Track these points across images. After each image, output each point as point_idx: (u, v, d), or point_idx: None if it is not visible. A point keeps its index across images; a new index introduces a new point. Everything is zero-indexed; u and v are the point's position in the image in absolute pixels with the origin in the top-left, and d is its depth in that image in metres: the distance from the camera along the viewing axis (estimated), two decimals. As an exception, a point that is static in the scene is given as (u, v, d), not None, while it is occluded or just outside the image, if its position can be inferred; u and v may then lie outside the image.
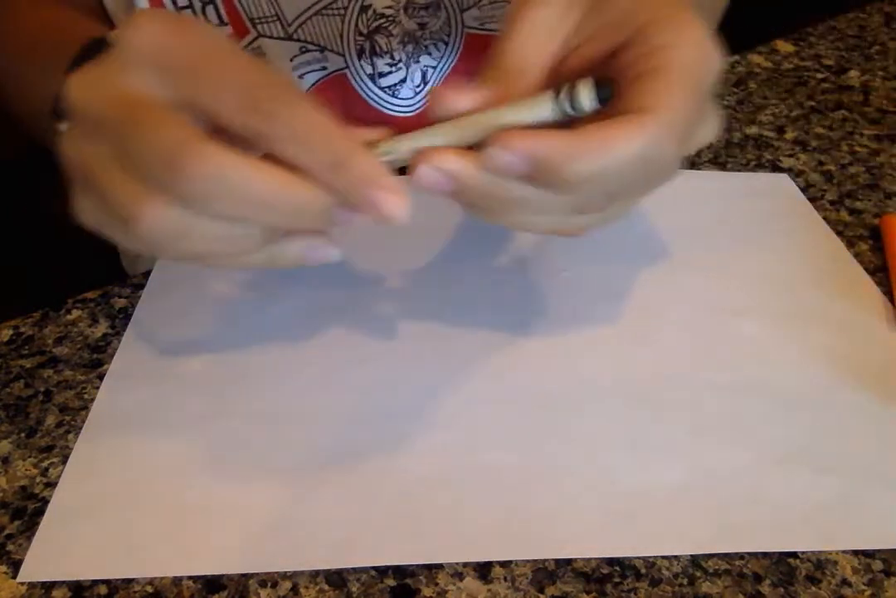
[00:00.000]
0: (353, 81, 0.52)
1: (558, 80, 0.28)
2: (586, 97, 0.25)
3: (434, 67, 0.53)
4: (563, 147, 0.25)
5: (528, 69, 0.28)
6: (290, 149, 0.24)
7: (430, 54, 0.53)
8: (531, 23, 0.29)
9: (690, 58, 0.27)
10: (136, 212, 0.25)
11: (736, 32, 0.64)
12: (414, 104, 0.54)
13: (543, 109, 0.25)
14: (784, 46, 0.67)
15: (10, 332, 0.40)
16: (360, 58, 0.51)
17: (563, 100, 0.25)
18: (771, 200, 0.48)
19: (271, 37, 0.48)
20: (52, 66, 0.36)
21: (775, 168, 0.51)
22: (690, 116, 0.26)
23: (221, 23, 0.47)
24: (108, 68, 0.26)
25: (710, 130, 0.29)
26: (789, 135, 0.55)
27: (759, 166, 0.51)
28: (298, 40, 0.49)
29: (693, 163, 0.52)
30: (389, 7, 0.49)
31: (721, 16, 0.53)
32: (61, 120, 0.31)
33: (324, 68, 0.50)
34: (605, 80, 0.25)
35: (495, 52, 0.29)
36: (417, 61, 0.52)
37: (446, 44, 0.52)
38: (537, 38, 0.29)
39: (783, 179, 0.50)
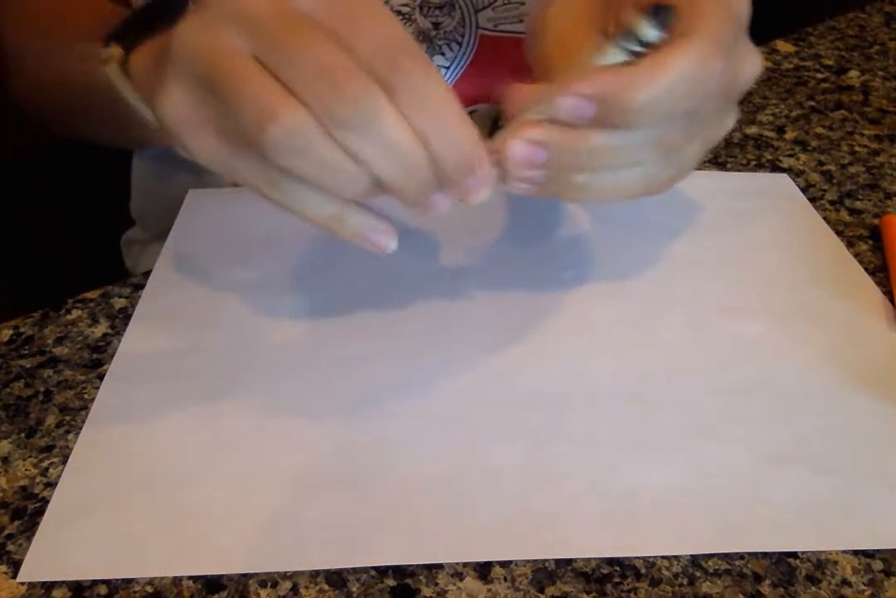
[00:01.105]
0: None
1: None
2: (646, 30, 0.26)
3: (447, 68, 0.53)
4: (619, 79, 0.27)
5: (575, 47, 0.30)
6: (410, 109, 0.25)
7: (443, 54, 0.53)
8: (555, 8, 0.31)
9: None
10: (276, 111, 0.25)
11: (736, 32, 0.64)
12: None
13: (612, 56, 0.27)
14: (784, 46, 0.67)
15: (10, 332, 0.40)
16: None
17: (628, 40, 0.27)
18: (771, 200, 0.48)
19: None
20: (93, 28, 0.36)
21: (775, 168, 0.51)
22: (728, 37, 0.28)
23: None
24: (204, 17, 0.26)
25: (755, 63, 0.31)
26: (789, 135, 0.55)
27: (759, 166, 0.51)
28: None
29: (693, 163, 0.51)
30: (405, 5, 0.49)
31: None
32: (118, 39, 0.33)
33: None
34: (660, 6, 0.26)
35: (537, 44, 0.31)
36: (430, 61, 0.52)
37: (460, 44, 0.52)
38: (566, 17, 0.31)
39: (783, 179, 0.50)
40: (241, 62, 0.25)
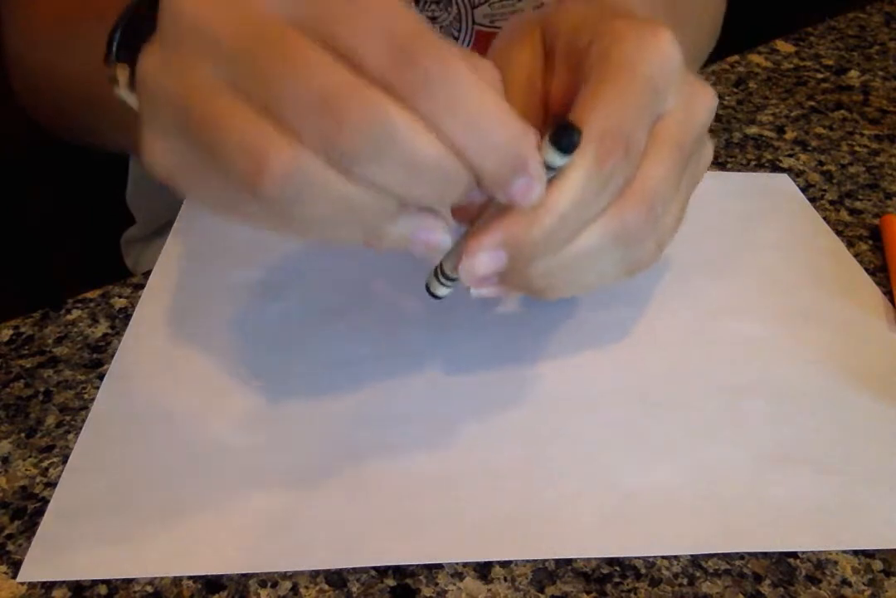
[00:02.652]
0: None
1: (548, 110, 0.28)
2: (550, 157, 0.24)
3: None
4: (514, 220, 0.25)
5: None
6: (434, 113, 0.21)
7: None
8: (509, 71, 0.28)
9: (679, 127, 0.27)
10: (267, 158, 0.21)
11: (736, 32, 0.64)
12: None
13: None
14: (784, 46, 0.67)
15: (10, 332, 0.40)
16: None
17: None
18: (771, 200, 0.48)
19: None
20: (98, 25, 0.33)
21: (775, 168, 0.51)
22: (630, 116, 0.26)
23: None
24: (168, 52, 0.22)
25: (706, 102, 0.29)
26: (789, 135, 0.55)
27: (759, 166, 0.51)
28: None
29: (693, 163, 0.51)
30: None
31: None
32: (119, 57, 0.29)
33: None
34: (563, 131, 0.24)
35: None
36: (450, 46, 0.53)
37: (456, 39, 0.53)
38: (520, 85, 0.29)
39: (783, 179, 0.50)
40: (219, 103, 0.21)
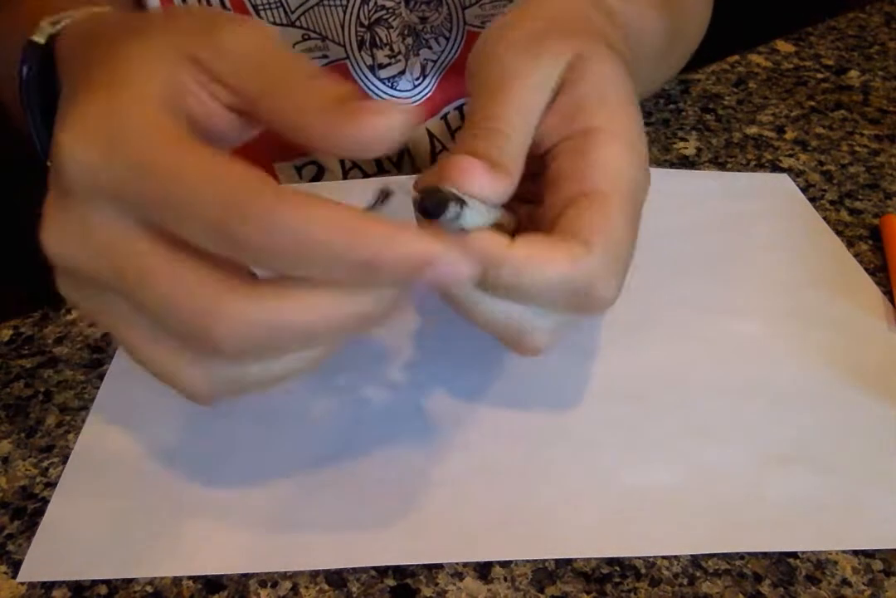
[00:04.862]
0: (353, 72, 0.52)
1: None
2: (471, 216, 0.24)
3: (434, 61, 0.54)
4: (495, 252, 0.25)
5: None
6: (291, 270, 0.21)
7: (430, 48, 0.53)
8: (527, 89, 0.28)
9: (629, 181, 0.27)
10: (182, 379, 0.23)
11: (736, 32, 0.64)
12: (412, 97, 0.54)
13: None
14: (784, 46, 0.67)
15: (10, 332, 0.40)
16: (360, 49, 0.51)
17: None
18: (771, 200, 0.48)
19: (273, 23, 0.48)
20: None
21: (775, 168, 0.51)
22: (630, 246, 0.27)
23: (224, 8, 0.47)
24: (67, 212, 0.22)
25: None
26: (789, 135, 0.55)
27: (759, 166, 0.51)
28: (301, 28, 0.49)
29: (693, 163, 0.52)
30: None
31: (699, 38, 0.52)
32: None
33: (325, 57, 0.51)
34: (426, 194, 0.24)
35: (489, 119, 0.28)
36: (417, 54, 0.53)
37: (447, 39, 0.53)
38: (530, 112, 0.28)
39: (783, 179, 0.50)
40: (124, 325, 0.23)
